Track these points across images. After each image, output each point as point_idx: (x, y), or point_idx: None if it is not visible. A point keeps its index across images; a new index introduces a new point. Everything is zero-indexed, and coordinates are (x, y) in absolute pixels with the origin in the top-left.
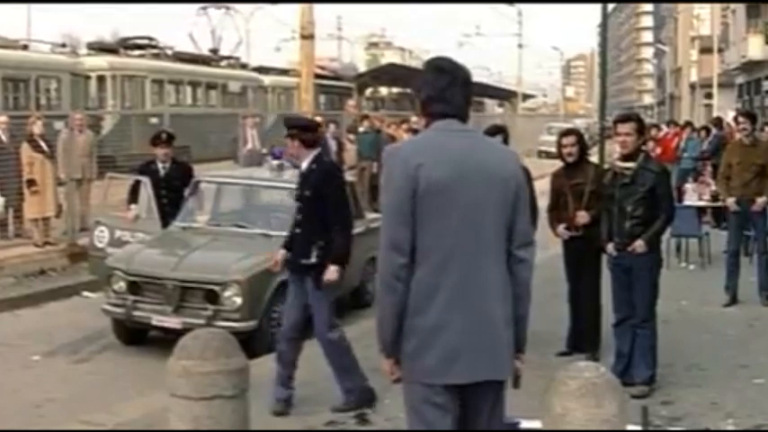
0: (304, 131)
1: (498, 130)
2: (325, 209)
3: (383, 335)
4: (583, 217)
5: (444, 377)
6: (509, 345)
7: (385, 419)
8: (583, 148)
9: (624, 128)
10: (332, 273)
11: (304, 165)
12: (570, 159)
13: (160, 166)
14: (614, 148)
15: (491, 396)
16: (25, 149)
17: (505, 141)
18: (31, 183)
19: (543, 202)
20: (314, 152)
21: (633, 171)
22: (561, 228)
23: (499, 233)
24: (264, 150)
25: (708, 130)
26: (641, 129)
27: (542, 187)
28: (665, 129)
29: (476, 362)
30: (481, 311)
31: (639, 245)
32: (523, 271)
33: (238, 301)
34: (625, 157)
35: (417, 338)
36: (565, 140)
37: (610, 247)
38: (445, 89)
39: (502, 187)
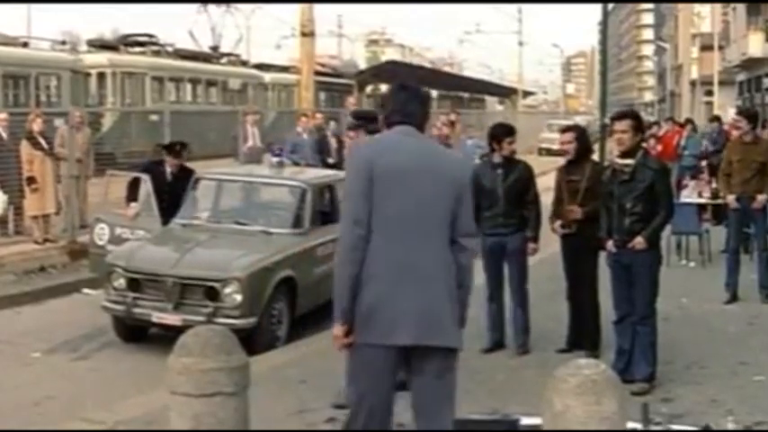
0: (371, 122)
1: (511, 131)
2: None
3: (341, 302)
4: (574, 212)
5: (390, 338)
6: (453, 319)
7: None
8: (583, 145)
9: (621, 125)
10: None
11: None
12: (568, 156)
13: (168, 170)
14: (614, 146)
15: (436, 363)
16: (25, 147)
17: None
18: (31, 180)
19: (545, 199)
20: None
21: (632, 168)
22: (557, 224)
23: (443, 221)
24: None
25: (719, 119)
26: (639, 126)
27: (542, 185)
28: (663, 126)
29: (418, 328)
30: (425, 284)
31: (639, 242)
32: (464, 258)
33: (238, 298)
34: (623, 154)
35: (369, 305)
36: (563, 137)
37: (609, 244)
38: (405, 103)
39: (446, 184)
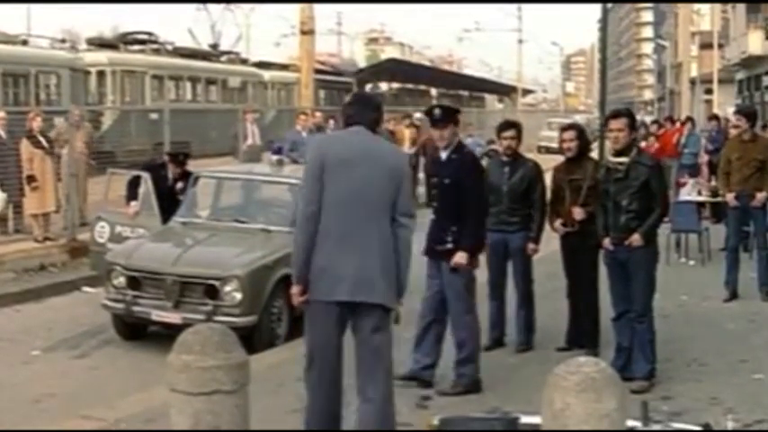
0: (458, 114)
1: (510, 125)
2: (462, 196)
3: (296, 265)
4: (579, 213)
5: (332, 295)
6: (386, 282)
7: None
8: (583, 143)
9: (616, 123)
10: (460, 257)
11: (444, 154)
12: (569, 154)
13: (170, 174)
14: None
15: (370, 320)
16: (25, 145)
17: (519, 135)
18: (31, 179)
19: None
20: (456, 139)
21: (626, 165)
22: (557, 223)
23: (381, 202)
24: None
25: (718, 118)
26: (633, 124)
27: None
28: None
29: (354, 287)
30: (362, 253)
31: (636, 239)
32: (402, 232)
33: (238, 296)
34: (618, 153)
35: (317, 268)
36: (564, 135)
37: (606, 241)
38: (359, 110)
39: (386, 172)
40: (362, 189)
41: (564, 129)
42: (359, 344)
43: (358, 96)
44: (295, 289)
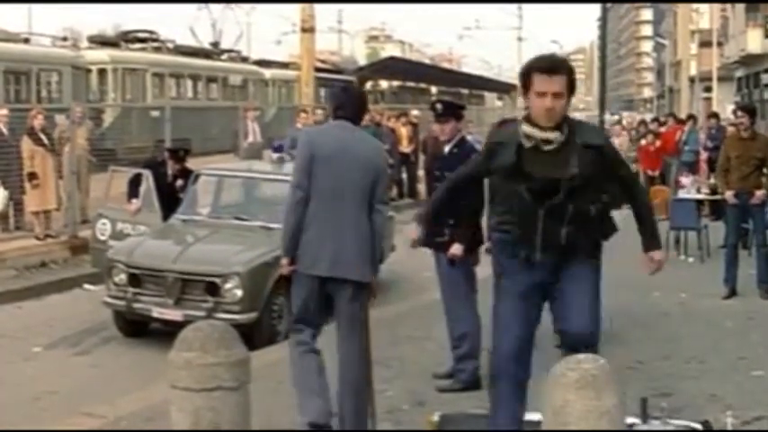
0: (461, 110)
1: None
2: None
3: (286, 242)
4: None
5: (313, 270)
6: (362, 260)
7: (387, 411)
8: None
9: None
10: (455, 249)
11: (446, 148)
12: None
13: (170, 172)
14: (614, 142)
15: (347, 292)
16: (26, 143)
17: None
18: (33, 176)
19: None
20: (458, 135)
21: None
22: None
23: (360, 191)
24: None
25: (717, 116)
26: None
27: None
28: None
29: (332, 265)
30: (341, 234)
31: None
32: (378, 217)
33: (239, 293)
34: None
35: (303, 245)
36: None
37: None
38: (345, 103)
39: (365, 164)
40: (343, 180)
41: None
42: (338, 312)
43: (345, 90)
44: (284, 261)
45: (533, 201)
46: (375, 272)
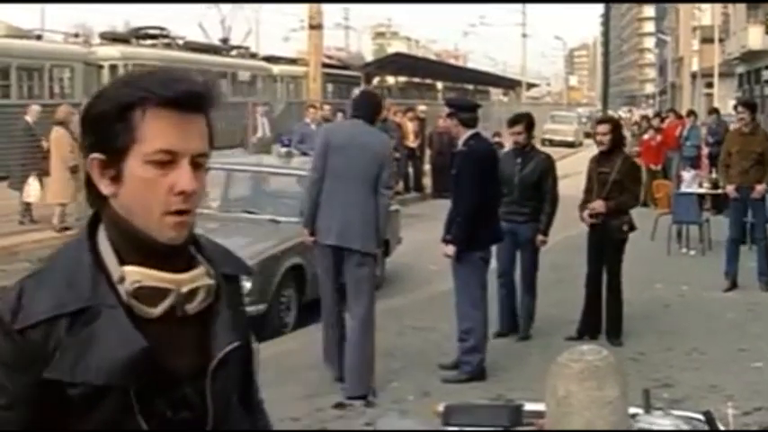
0: (463, 111)
1: (516, 121)
2: (459, 189)
3: (306, 216)
4: (599, 206)
5: (325, 240)
6: (367, 233)
7: (392, 401)
8: (617, 137)
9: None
10: (447, 249)
11: (459, 144)
12: (602, 147)
13: None
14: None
15: (354, 260)
16: (64, 136)
17: (528, 128)
18: (75, 169)
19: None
20: (470, 132)
21: None
22: (585, 213)
23: (367, 177)
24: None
25: (718, 111)
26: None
27: None
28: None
29: (340, 236)
30: (348, 210)
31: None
32: (381, 199)
33: (248, 285)
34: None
35: (319, 220)
36: (599, 128)
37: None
38: (361, 105)
39: (372, 154)
40: (353, 167)
41: (599, 122)
42: (347, 277)
43: (363, 93)
44: (306, 231)
45: None
46: (378, 245)
